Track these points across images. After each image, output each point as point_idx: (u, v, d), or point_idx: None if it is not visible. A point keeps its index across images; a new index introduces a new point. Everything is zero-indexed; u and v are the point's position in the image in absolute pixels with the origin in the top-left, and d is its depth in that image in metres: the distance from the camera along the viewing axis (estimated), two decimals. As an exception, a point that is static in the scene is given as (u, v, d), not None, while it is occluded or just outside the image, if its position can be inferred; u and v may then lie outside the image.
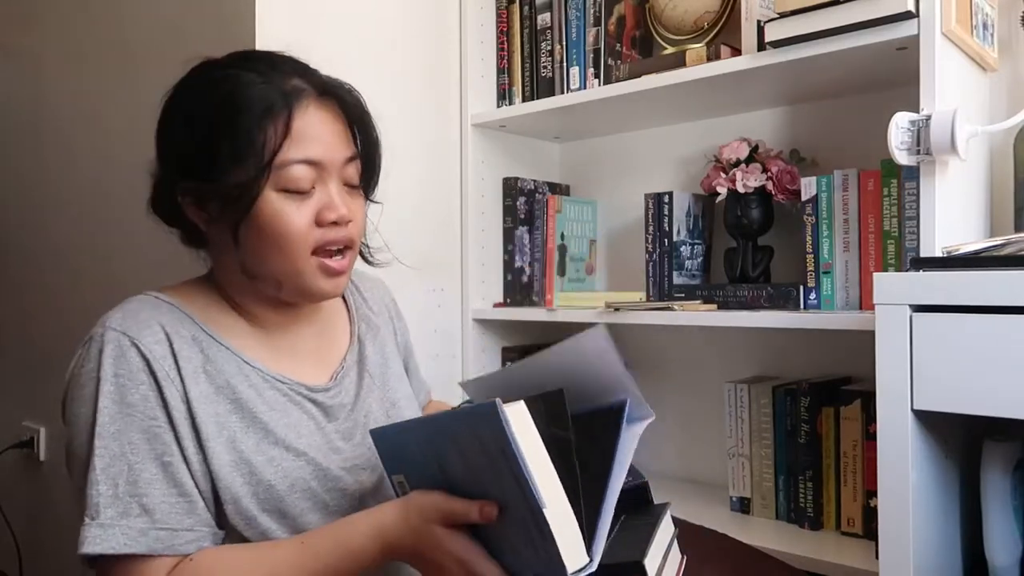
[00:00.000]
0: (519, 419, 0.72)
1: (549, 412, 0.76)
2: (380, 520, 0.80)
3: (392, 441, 0.83)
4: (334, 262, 0.87)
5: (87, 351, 0.83)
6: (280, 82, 0.84)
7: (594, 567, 0.72)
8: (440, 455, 0.78)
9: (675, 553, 0.90)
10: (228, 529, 0.84)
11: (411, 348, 1.16)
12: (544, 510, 0.69)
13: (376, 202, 0.97)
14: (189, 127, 0.85)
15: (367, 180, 0.94)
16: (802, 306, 1.32)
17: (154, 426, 0.80)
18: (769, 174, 1.40)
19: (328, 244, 0.86)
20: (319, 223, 0.85)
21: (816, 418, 1.33)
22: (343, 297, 1.05)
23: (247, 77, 0.84)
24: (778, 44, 1.21)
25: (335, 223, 0.86)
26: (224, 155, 0.82)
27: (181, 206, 0.86)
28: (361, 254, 0.98)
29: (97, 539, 0.76)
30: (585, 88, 1.58)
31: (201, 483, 0.82)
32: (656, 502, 0.94)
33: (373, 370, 1.01)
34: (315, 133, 0.85)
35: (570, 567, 0.69)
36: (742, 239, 1.46)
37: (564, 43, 1.62)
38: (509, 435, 0.68)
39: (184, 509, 0.80)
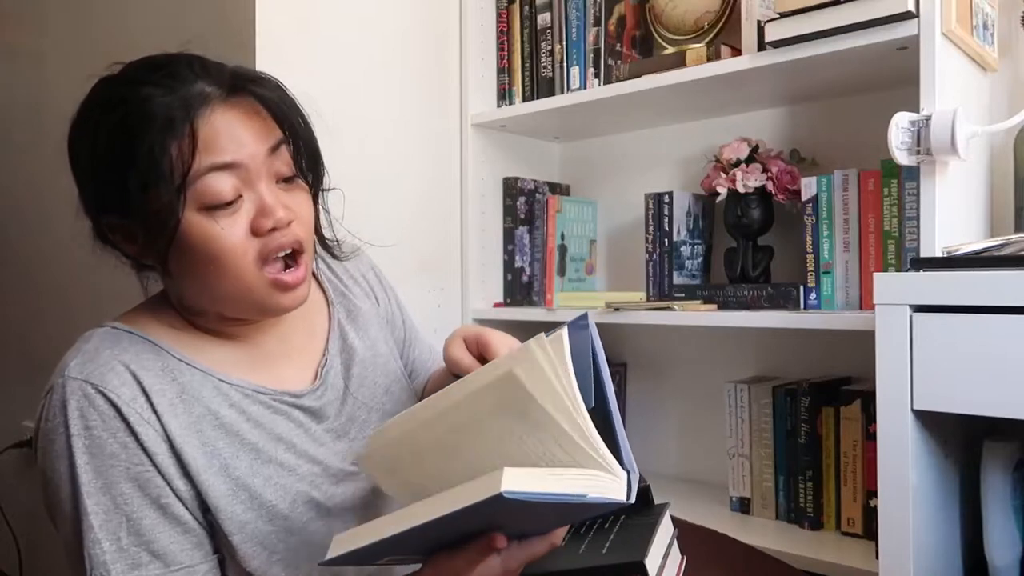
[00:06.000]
0: None
1: None
2: None
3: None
4: (288, 275, 0.79)
5: (49, 403, 0.75)
6: (181, 90, 0.74)
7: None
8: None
9: (675, 553, 0.90)
10: (225, 555, 0.80)
11: (402, 315, 1.07)
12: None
13: (327, 189, 0.87)
14: (92, 160, 0.77)
15: (309, 169, 0.83)
16: (802, 306, 1.32)
17: (142, 472, 0.75)
18: (769, 174, 1.40)
19: (272, 252, 0.77)
20: (256, 233, 0.76)
21: (816, 418, 1.33)
22: (315, 277, 0.96)
23: (144, 92, 0.74)
24: (778, 44, 1.21)
25: (274, 229, 0.77)
26: (132, 186, 0.73)
27: (113, 242, 0.80)
28: (328, 249, 0.91)
29: None
30: (585, 88, 1.58)
31: (199, 517, 0.78)
32: (656, 502, 0.94)
33: (361, 355, 0.95)
34: (226, 136, 0.75)
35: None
36: (742, 239, 1.46)
37: (564, 43, 1.62)
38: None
39: (193, 543, 0.77)
